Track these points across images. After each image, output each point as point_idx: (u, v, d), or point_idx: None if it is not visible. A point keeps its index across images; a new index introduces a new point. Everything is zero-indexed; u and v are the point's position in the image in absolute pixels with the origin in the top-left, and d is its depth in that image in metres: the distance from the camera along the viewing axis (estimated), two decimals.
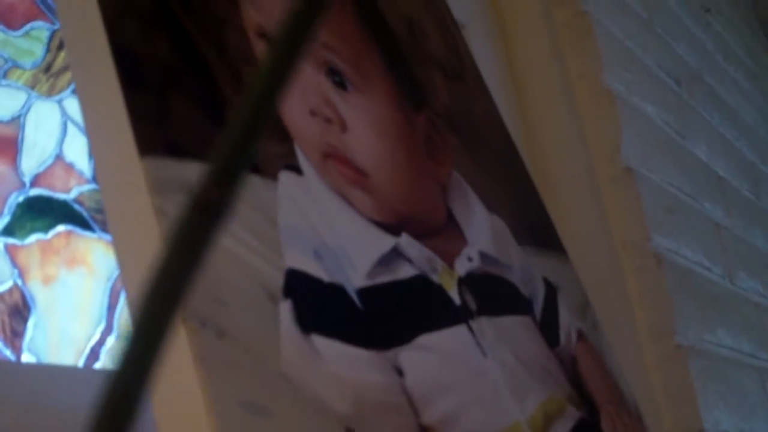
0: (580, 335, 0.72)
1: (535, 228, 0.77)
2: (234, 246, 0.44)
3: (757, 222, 1.41)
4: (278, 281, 0.45)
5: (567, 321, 0.71)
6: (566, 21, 1.05)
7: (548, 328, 0.68)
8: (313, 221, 0.50)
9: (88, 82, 0.44)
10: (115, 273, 0.55)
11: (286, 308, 0.44)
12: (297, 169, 0.52)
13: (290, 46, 0.15)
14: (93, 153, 0.42)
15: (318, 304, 0.46)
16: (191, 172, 0.44)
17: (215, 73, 0.50)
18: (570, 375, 0.67)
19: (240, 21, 0.55)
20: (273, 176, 0.49)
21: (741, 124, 1.58)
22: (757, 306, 1.24)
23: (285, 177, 0.50)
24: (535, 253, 0.73)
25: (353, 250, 0.52)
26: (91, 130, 0.43)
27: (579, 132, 0.99)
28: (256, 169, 0.48)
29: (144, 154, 0.42)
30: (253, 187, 0.47)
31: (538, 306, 0.69)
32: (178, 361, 0.38)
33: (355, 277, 0.50)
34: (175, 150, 0.44)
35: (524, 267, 0.70)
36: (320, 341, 0.45)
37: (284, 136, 0.52)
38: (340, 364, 0.45)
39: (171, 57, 0.48)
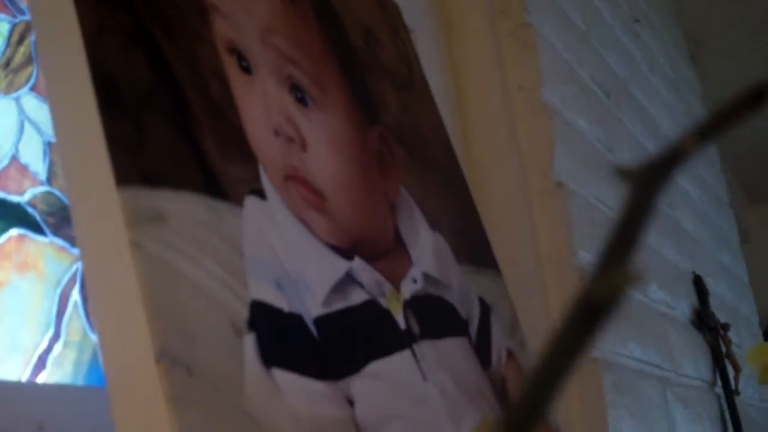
0: (510, 355, 0.74)
1: (473, 245, 0.79)
2: (202, 278, 0.44)
3: (668, 234, 1.46)
4: (244, 314, 0.45)
5: (498, 341, 0.73)
6: (511, 32, 1.07)
7: (482, 348, 0.70)
8: (276, 248, 0.51)
9: (64, 104, 0.43)
10: (65, 278, 0.55)
11: (249, 342, 0.44)
12: (261, 194, 0.52)
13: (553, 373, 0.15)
14: (67, 180, 0.42)
15: (278, 337, 0.47)
16: (164, 201, 0.44)
17: (187, 92, 0.50)
18: (500, 395, 0.70)
19: (211, 36, 0.55)
20: (239, 202, 0.49)
21: (660, 135, 1.63)
22: (663, 316, 1.30)
23: (250, 202, 0.50)
24: (472, 272, 0.75)
25: (311, 277, 0.52)
26: (65, 155, 0.42)
27: (515, 144, 1.01)
28: (224, 195, 0.48)
29: (120, 184, 0.41)
30: (220, 213, 0.48)
31: (474, 326, 0.70)
32: (151, 400, 0.38)
33: (313, 305, 0.51)
34: (149, 178, 0.43)
35: (462, 287, 0.71)
36: (280, 375, 0.45)
37: (250, 158, 0.52)
38: (298, 399, 0.46)
39: (146, 77, 0.47)
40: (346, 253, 0.57)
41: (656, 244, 1.36)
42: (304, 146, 0.58)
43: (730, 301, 1.82)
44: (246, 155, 0.52)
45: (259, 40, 0.59)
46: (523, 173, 1.01)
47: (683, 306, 1.40)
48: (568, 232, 0.99)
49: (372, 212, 0.64)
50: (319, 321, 0.51)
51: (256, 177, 0.52)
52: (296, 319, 0.49)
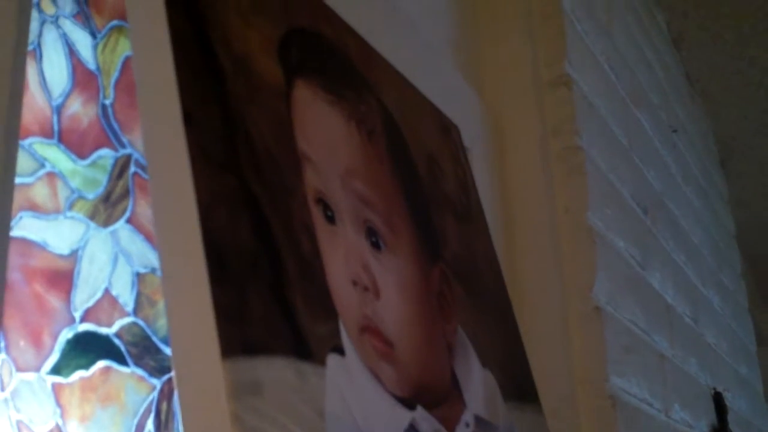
0: None
1: (518, 380, 0.81)
2: None
3: (692, 350, 1.48)
4: None
5: None
6: (560, 153, 1.10)
7: None
8: (351, 405, 0.53)
9: (177, 274, 0.46)
10: (142, 409, 0.57)
11: None
12: (341, 350, 0.54)
13: None
14: (174, 350, 0.44)
15: None
16: (260, 369, 0.46)
17: (282, 252, 0.52)
18: None
19: (302, 188, 0.58)
20: (322, 362, 0.52)
21: (690, 247, 1.66)
22: None
23: (331, 361, 0.53)
24: (516, 408, 0.77)
25: None
26: (175, 325, 0.45)
27: (558, 266, 1.04)
28: (310, 356, 0.51)
29: (225, 356, 0.44)
30: (305, 376, 0.50)
31: None
32: None
33: None
34: (249, 347, 0.46)
35: (508, 426, 0.73)
36: None
37: (332, 313, 0.55)
38: None
39: (249, 240, 0.50)
40: (409, 402, 0.60)
41: (681, 362, 1.38)
42: (377, 294, 0.61)
43: (745, 413, 1.83)
44: (329, 311, 0.55)
45: (341, 185, 0.62)
46: (563, 295, 1.03)
47: (702, 425, 1.41)
48: (602, 357, 1.01)
49: (434, 358, 0.66)
50: None
51: (337, 333, 0.55)
52: None
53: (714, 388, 1.53)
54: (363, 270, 0.61)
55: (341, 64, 0.71)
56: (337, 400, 0.52)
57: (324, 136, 0.64)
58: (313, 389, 0.50)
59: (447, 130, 0.91)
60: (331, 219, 0.59)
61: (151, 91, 0.51)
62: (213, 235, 0.47)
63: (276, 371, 0.47)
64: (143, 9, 0.52)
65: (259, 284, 0.49)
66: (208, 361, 0.44)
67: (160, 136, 0.50)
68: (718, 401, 1.50)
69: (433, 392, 0.64)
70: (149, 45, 0.51)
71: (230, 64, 0.55)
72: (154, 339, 0.59)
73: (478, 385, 0.71)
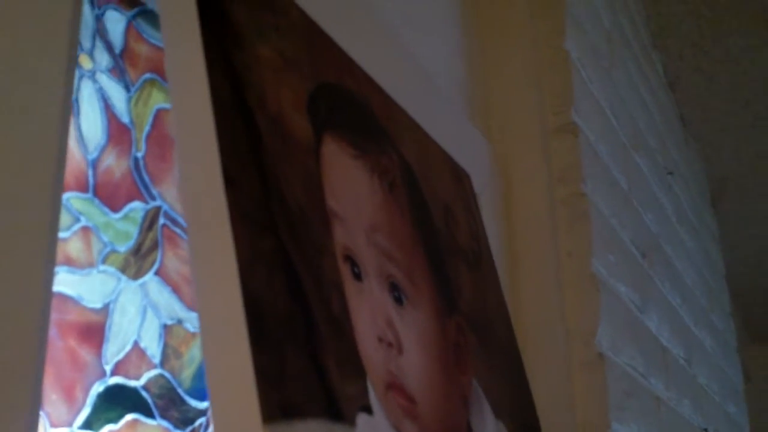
0: None
1: (527, 429, 0.82)
2: None
3: (686, 391, 1.49)
4: None
5: None
6: (565, 199, 1.11)
7: None
8: None
9: (217, 337, 0.46)
10: None
11: None
12: (369, 409, 0.55)
13: None
14: (213, 410, 0.45)
15: None
16: None
17: (315, 312, 0.53)
18: None
19: (332, 246, 0.58)
20: (352, 421, 0.52)
21: (684, 288, 1.67)
22: None
23: (361, 421, 0.53)
24: None
25: None
26: (215, 390, 0.45)
27: (560, 312, 1.05)
28: (341, 417, 0.51)
29: (265, 422, 0.44)
30: None
31: None
32: None
33: None
34: (286, 411, 0.47)
35: None
36: None
37: (360, 372, 0.56)
38: None
39: (285, 302, 0.51)
40: None
41: (676, 404, 1.39)
42: (400, 350, 0.62)
43: None
44: (358, 369, 0.55)
45: (366, 241, 0.63)
46: (566, 341, 1.04)
47: None
48: (605, 404, 1.02)
49: (452, 412, 0.67)
50: None
51: (365, 392, 0.55)
52: None
53: (705, 429, 1.54)
54: (387, 326, 0.61)
55: (364, 116, 0.72)
56: None
57: (350, 191, 0.64)
58: None
59: (460, 179, 0.92)
60: (357, 276, 0.60)
61: (190, 150, 0.52)
62: (253, 297, 0.47)
63: None
64: (183, 73, 0.52)
65: (294, 345, 0.50)
66: (248, 423, 0.45)
67: (201, 197, 0.51)
68: None
69: None
70: (190, 107, 0.52)
71: (266, 124, 0.56)
72: (179, 391, 0.60)
73: None
